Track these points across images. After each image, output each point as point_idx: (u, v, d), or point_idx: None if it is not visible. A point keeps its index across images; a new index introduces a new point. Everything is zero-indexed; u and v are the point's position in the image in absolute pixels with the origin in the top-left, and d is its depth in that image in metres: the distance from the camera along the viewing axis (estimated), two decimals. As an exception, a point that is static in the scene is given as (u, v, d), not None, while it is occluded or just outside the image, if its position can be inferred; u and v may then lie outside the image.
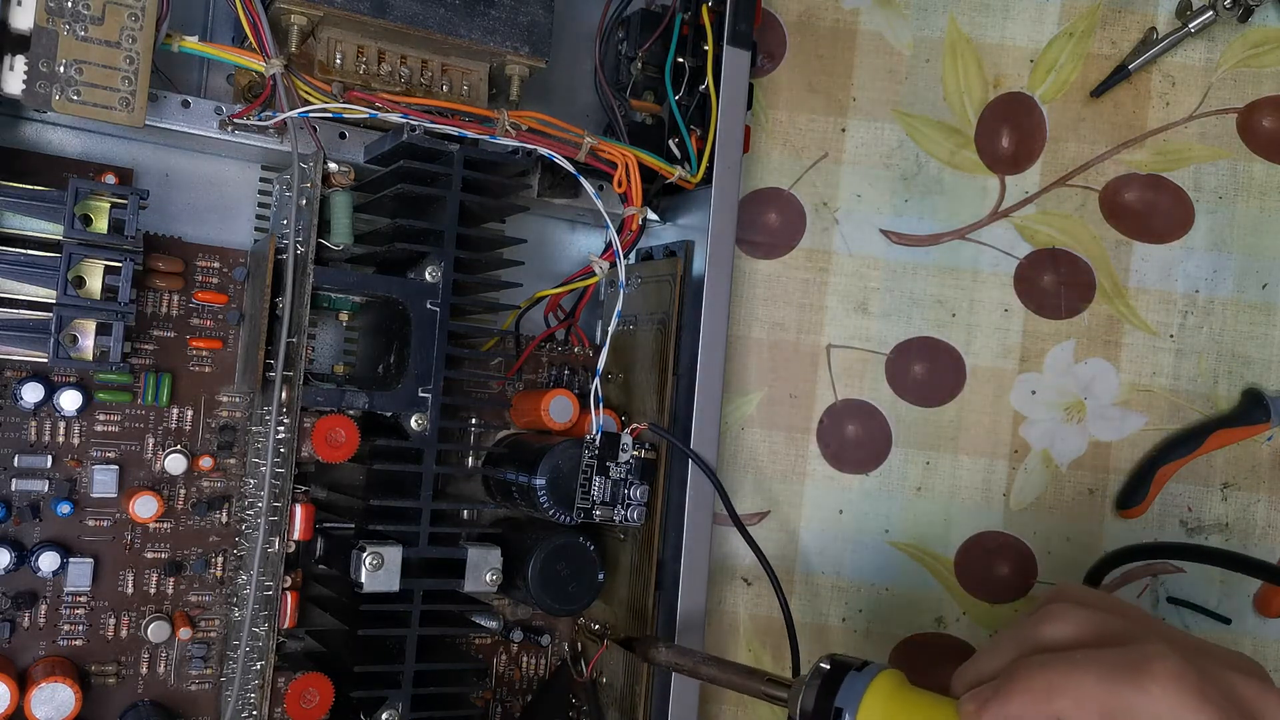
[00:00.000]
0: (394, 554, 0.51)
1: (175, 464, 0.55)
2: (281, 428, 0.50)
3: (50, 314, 0.48)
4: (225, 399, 0.56)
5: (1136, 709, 0.40)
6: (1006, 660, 0.44)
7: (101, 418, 0.54)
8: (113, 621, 0.54)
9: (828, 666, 0.47)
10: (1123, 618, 0.44)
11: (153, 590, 0.55)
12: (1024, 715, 0.42)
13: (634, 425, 0.58)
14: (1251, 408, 0.69)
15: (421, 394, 0.52)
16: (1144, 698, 0.40)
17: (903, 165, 0.69)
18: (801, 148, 0.69)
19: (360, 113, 0.53)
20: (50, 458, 0.53)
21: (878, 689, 0.45)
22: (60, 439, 0.53)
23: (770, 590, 0.59)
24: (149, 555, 0.55)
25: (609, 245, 0.57)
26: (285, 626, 0.52)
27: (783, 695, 0.48)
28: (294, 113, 0.51)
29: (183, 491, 0.55)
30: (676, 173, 0.59)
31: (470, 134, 0.53)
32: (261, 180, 0.57)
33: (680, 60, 0.60)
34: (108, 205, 0.49)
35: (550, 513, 0.55)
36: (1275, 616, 0.69)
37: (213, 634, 0.56)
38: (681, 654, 0.53)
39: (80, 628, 0.53)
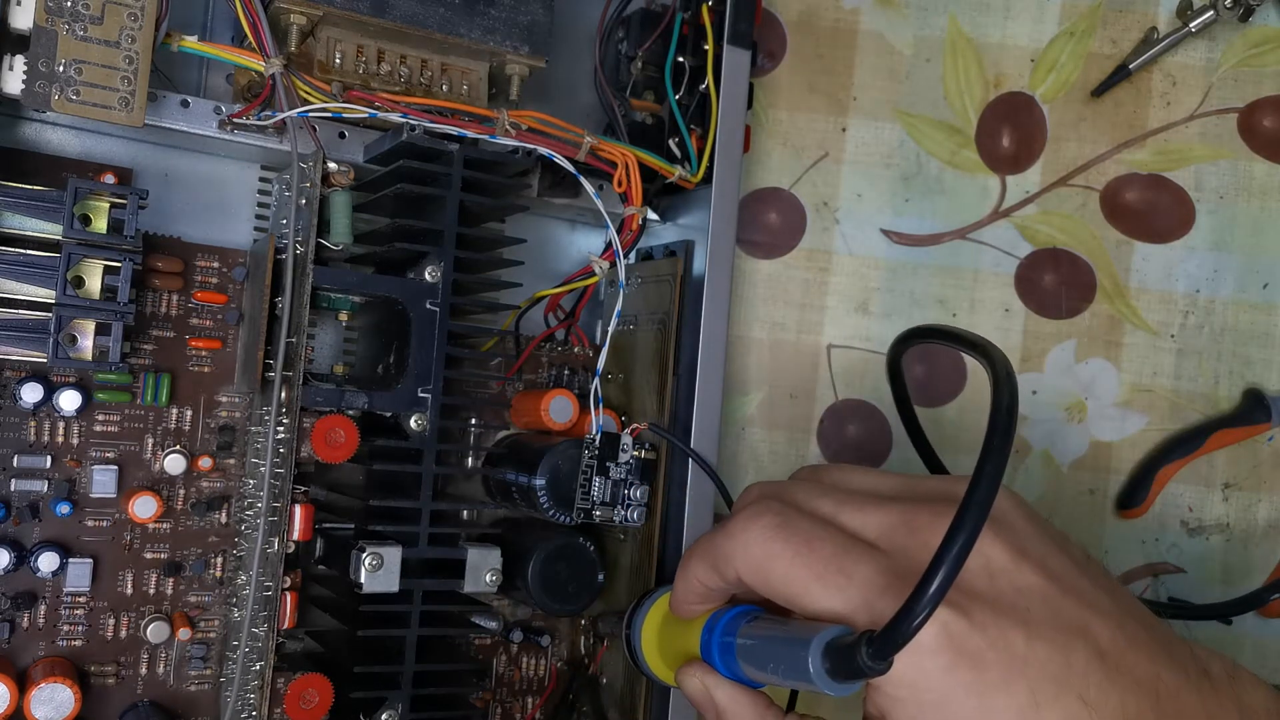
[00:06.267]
0: (394, 554, 0.51)
1: (174, 464, 0.54)
2: (281, 428, 0.50)
3: (49, 314, 0.48)
4: (225, 399, 0.56)
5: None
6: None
7: (101, 418, 0.54)
8: (112, 622, 0.54)
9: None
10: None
11: (152, 591, 0.55)
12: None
13: (634, 425, 0.58)
14: (1252, 408, 0.69)
15: (421, 394, 0.52)
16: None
17: (903, 165, 0.69)
18: (802, 147, 0.69)
19: (360, 112, 0.52)
20: (49, 458, 0.53)
21: (657, 608, 0.52)
22: (59, 439, 0.53)
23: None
24: (148, 556, 0.55)
25: (609, 245, 0.57)
26: (285, 627, 0.52)
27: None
28: (293, 112, 0.51)
29: (182, 492, 0.55)
30: (676, 172, 0.59)
31: (470, 134, 0.53)
32: (261, 180, 0.57)
33: (680, 60, 0.60)
34: (107, 205, 0.49)
35: (550, 513, 0.55)
36: (1275, 617, 0.69)
37: (212, 634, 0.56)
38: None
39: (80, 628, 0.53)
